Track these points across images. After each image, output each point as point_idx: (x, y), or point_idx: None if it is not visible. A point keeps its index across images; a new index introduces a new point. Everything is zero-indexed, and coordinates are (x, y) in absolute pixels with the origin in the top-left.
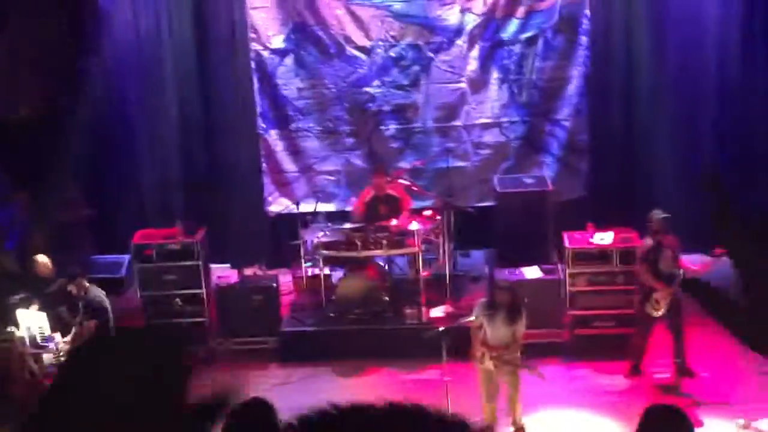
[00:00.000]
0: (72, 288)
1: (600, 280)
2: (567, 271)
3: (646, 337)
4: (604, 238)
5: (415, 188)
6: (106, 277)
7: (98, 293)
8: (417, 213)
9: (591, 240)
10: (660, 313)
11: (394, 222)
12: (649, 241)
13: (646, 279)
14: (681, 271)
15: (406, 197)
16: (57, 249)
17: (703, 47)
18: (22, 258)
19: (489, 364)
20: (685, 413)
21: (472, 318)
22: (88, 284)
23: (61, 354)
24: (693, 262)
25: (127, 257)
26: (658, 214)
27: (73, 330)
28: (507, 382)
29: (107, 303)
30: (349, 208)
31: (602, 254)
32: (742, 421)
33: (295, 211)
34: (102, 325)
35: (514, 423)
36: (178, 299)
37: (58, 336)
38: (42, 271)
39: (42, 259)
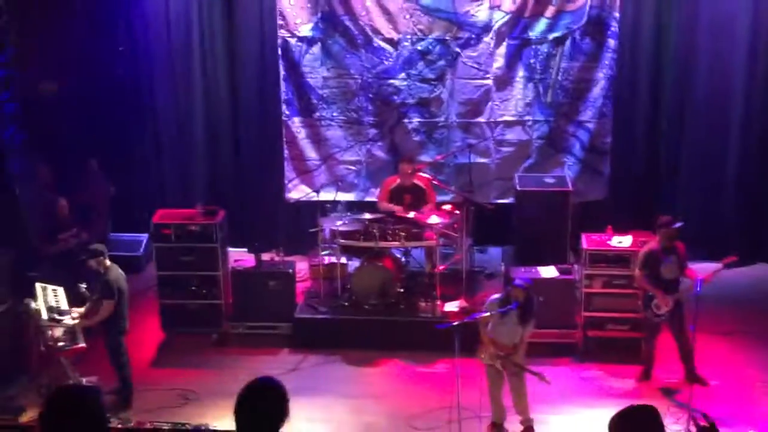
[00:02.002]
0: (93, 263)
1: (616, 283)
2: (583, 272)
3: (652, 342)
4: (623, 241)
5: (435, 182)
6: (124, 255)
7: (118, 274)
8: (436, 207)
9: (609, 242)
10: (661, 318)
11: (412, 214)
12: (652, 246)
13: (643, 284)
14: (685, 279)
15: (431, 190)
16: (78, 224)
17: (732, 57)
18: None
19: (495, 362)
20: (654, 410)
21: (485, 314)
22: (109, 263)
23: (75, 327)
24: (700, 270)
25: (145, 236)
26: (673, 223)
27: (87, 305)
28: (512, 380)
29: (125, 285)
30: (369, 199)
31: (619, 257)
32: None
33: (315, 198)
34: (117, 306)
35: (523, 421)
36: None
37: (74, 310)
38: (60, 212)
39: (63, 201)
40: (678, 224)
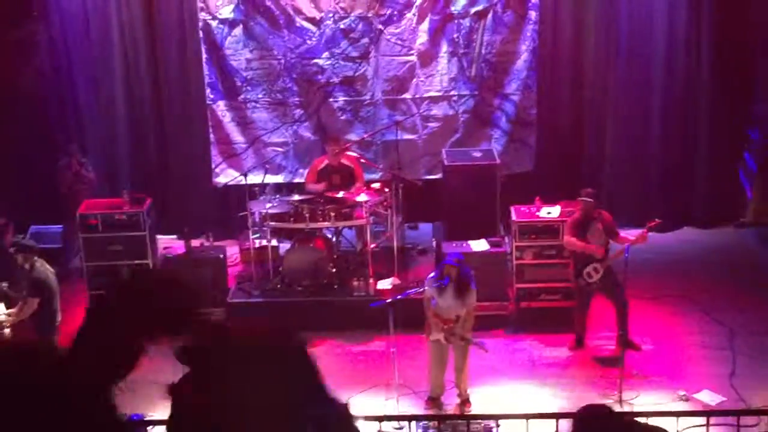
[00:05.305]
0: (20, 259)
1: (546, 254)
2: (514, 245)
3: (585, 310)
4: (551, 212)
5: (363, 160)
6: (45, 248)
7: (46, 270)
8: (365, 185)
9: (538, 214)
10: (593, 285)
11: (341, 194)
12: (576, 216)
13: (574, 246)
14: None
15: (359, 169)
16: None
17: (652, 25)
18: None
19: (439, 336)
20: (614, 412)
21: (424, 289)
22: (36, 260)
23: (4, 324)
24: (630, 234)
25: (61, 227)
26: (587, 194)
27: (19, 304)
28: (455, 354)
29: (53, 281)
30: (297, 180)
31: (548, 228)
32: (682, 393)
33: (243, 182)
34: (44, 303)
35: (460, 394)
36: (126, 269)
37: (1, 307)
38: None
39: None
40: (587, 194)
